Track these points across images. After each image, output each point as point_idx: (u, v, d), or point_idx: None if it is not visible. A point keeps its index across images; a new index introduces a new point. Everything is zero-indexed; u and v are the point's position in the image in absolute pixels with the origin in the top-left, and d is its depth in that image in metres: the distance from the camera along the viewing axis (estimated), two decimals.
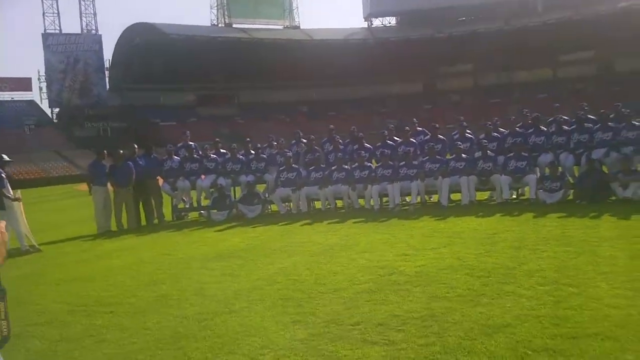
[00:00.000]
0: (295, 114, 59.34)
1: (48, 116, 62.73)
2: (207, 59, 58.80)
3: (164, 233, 11.25)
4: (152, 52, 57.99)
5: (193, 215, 13.37)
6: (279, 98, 62.95)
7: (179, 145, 13.87)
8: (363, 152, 12.48)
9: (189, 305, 5.70)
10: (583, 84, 56.85)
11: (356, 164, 12.22)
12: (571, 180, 11.03)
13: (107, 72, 63.33)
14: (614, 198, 10.24)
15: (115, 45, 62.48)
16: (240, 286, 6.31)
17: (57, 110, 63.20)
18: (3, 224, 1.97)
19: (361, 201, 12.15)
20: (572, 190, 10.76)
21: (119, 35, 61.90)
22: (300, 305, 5.37)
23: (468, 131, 12.70)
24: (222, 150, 13.83)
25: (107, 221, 11.90)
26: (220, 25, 68.06)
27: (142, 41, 58.43)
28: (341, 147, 13.16)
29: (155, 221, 12.51)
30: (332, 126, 14.13)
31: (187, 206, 13.38)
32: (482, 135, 12.36)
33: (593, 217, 8.75)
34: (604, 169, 10.83)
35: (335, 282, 6.13)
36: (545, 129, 11.94)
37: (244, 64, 60.25)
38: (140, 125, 55.44)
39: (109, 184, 12.11)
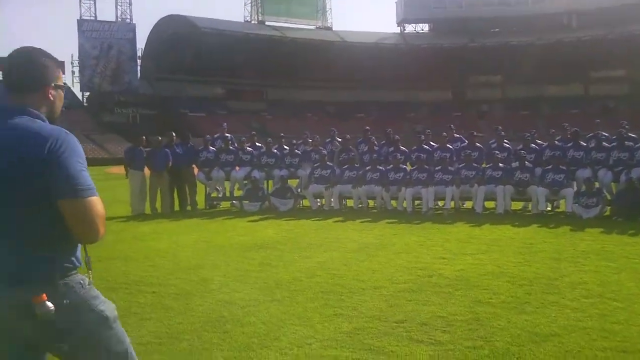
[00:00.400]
0: (322, 114, 59.44)
1: (79, 99, 63.56)
2: (238, 54, 59.16)
3: (197, 220, 11.36)
4: (183, 44, 58.49)
5: (225, 204, 13.49)
6: (308, 97, 63.11)
7: (215, 136, 14.02)
8: (399, 154, 12.49)
9: (231, 291, 5.76)
10: (614, 102, 56.14)
11: (391, 165, 12.23)
12: (608, 197, 10.92)
13: (139, 61, 64.01)
14: None
15: (149, 35, 63.15)
16: (280, 277, 6.36)
17: (87, 94, 64.05)
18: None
19: (393, 203, 12.14)
20: (609, 207, 10.66)
21: (152, 26, 62.62)
22: (341, 300, 5.40)
23: (505, 141, 12.63)
24: (257, 144, 13.93)
25: (142, 204, 12.06)
26: (253, 22, 68.42)
27: (175, 33, 58.94)
28: (376, 148, 13.17)
29: (189, 208, 12.65)
30: (367, 127, 14.17)
31: (220, 195, 13.51)
32: (520, 146, 12.30)
33: (632, 235, 8.66)
34: None
35: (375, 280, 6.15)
36: (585, 144, 11.82)
37: (274, 61, 60.52)
38: (169, 114, 55.97)
39: (145, 169, 12.28)
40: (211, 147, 13.36)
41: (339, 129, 15.01)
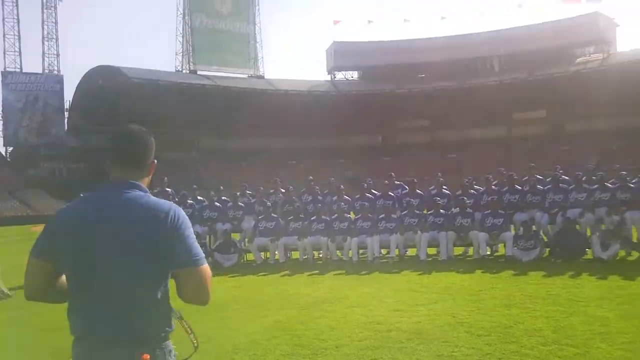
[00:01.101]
0: (256, 161, 59.37)
1: (1, 154, 61.08)
2: (170, 104, 58.59)
3: None
4: (114, 95, 57.47)
5: None
6: (241, 145, 63.01)
7: (155, 191, 13.70)
8: (343, 203, 12.58)
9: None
10: (536, 142, 58.89)
11: (335, 215, 12.29)
12: (545, 239, 11.33)
13: (66, 113, 62.36)
14: (587, 257, 10.57)
15: (77, 87, 61.75)
16: (238, 340, 6.19)
17: (10, 149, 61.63)
18: None
19: (338, 252, 12.16)
20: (547, 249, 11.05)
21: (81, 77, 61.41)
22: None
23: (445, 187, 12.96)
24: (199, 197, 13.72)
25: None
26: (185, 71, 68.29)
27: (104, 83, 57.99)
28: (319, 197, 13.23)
29: None
30: (311, 177, 14.24)
31: None
32: (459, 192, 12.64)
33: (573, 277, 8.97)
34: (577, 227, 11.17)
35: (335, 338, 6.07)
36: (520, 187, 12.28)
37: (207, 110, 60.28)
38: (99, 167, 54.47)
39: None
40: None
41: (272, 176, 15.06)
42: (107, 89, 57.37)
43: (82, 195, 2.49)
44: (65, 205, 2.48)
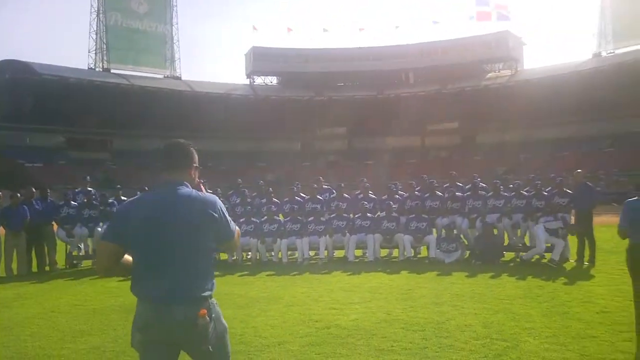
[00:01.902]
0: None
1: None
2: (81, 102, 56.34)
3: (62, 281, 10.57)
4: (22, 91, 54.59)
5: (86, 263, 12.65)
6: (155, 146, 61.34)
7: (77, 190, 13.25)
8: (272, 206, 12.65)
9: (130, 358, 5.45)
10: (448, 152, 61.28)
11: (265, 217, 12.34)
12: (466, 242, 11.90)
13: None
14: (505, 260, 11.21)
15: None
16: None
17: None
18: None
19: (267, 254, 12.21)
20: (467, 252, 11.60)
21: None
22: (250, 359, 5.36)
23: (371, 192, 13.32)
24: (123, 198, 13.34)
25: None
26: (98, 69, 65.88)
27: (12, 78, 54.87)
28: (248, 200, 13.23)
29: (47, 268, 11.72)
30: (239, 180, 14.20)
31: (82, 254, 12.67)
32: (385, 196, 13.04)
33: (494, 277, 9.49)
34: (495, 232, 11.80)
35: (277, 335, 6.16)
36: (441, 194, 12.82)
37: (120, 110, 58.40)
38: (4, 165, 51.57)
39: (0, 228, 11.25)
40: (73, 202, 12.56)
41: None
42: (14, 84, 54.38)
43: (143, 191, 3.18)
44: (129, 200, 3.34)
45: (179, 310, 2.78)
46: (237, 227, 3.13)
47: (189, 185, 3.00)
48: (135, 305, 2.93)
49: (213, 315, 2.88)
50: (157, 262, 2.86)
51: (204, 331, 2.82)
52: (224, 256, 12.47)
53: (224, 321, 3.00)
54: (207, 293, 2.89)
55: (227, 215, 3.01)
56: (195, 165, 3.10)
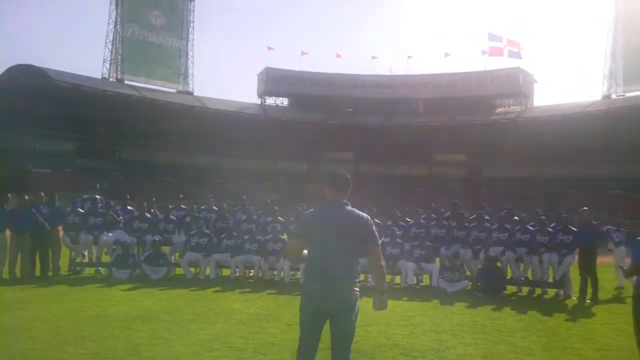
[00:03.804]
0: (180, 177, 58.23)
1: None
2: (93, 111, 56.80)
3: (64, 287, 10.59)
4: (34, 96, 54.99)
5: (89, 270, 12.69)
6: (165, 159, 61.53)
7: (84, 197, 13.33)
8: (277, 225, 12.69)
9: None
10: (454, 183, 61.23)
11: (270, 235, 12.36)
12: (468, 273, 11.88)
13: None
14: (506, 293, 11.18)
15: None
16: (177, 350, 6.17)
17: None
18: None
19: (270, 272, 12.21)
20: (470, 282, 11.58)
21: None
22: None
23: (376, 219, 13.31)
24: (129, 207, 13.43)
25: (0, 269, 11.03)
26: (111, 79, 66.50)
27: (25, 83, 55.35)
28: (254, 217, 13.28)
29: (50, 273, 11.76)
30: (244, 196, 14.27)
31: (85, 261, 12.71)
32: (390, 222, 13.06)
33: (495, 309, 9.46)
34: (498, 264, 11.77)
35: (276, 353, 6.18)
36: (447, 223, 12.83)
37: (131, 120, 58.73)
38: (10, 169, 51.85)
39: (7, 230, 11.31)
40: (80, 210, 12.64)
41: (197, 193, 14.88)
42: (28, 89, 54.87)
43: (319, 205, 4.54)
44: (308, 210, 5.08)
45: (340, 287, 4.16)
46: (379, 244, 4.47)
47: (349, 203, 4.36)
48: (302, 284, 4.46)
49: (357, 293, 4.26)
50: (326, 255, 4.22)
51: (354, 304, 4.23)
52: (226, 272, 12.50)
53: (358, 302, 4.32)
54: (357, 278, 4.29)
55: (374, 227, 4.39)
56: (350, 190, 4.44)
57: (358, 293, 4.23)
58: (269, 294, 10.48)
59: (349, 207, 4.32)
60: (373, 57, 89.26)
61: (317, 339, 4.28)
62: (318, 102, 70.99)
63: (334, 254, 4.18)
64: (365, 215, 4.33)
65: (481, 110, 66.42)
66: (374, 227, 4.33)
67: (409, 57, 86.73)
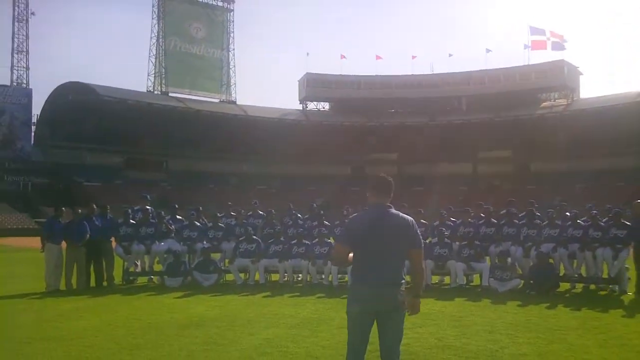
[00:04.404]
0: (224, 185, 59.13)
1: None
2: (139, 124, 58.32)
3: (119, 296, 10.88)
4: (83, 112, 56.76)
5: (142, 280, 13.01)
6: (209, 168, 62.69)
7: (135, 208, 13.67)
8: (324, 229, 12.75)
9: None
10: (500, 180, 60.20)
11: (316, 239, 12.43)
12: (520, 271, 11.66)
13: (33, 127, 61.19)
14: (560, 290, 10.94)
15: (46, 101, 60.76)
16: (231, 355, 6.26)
17: None
18: None
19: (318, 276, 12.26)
20: (521, 281, 11.37)
21: (50, 91, 60.55)
22: None
23: (422, 219, 13.22)
24: (178, 217, 13.72)
25: (57, 280, 11.42)
26: (156, 92, 68.08)
27: (74, 99, 57.30)
28: (300, 222, 13.38)
29: (105, 283, 12.09)
30: (291, 204, 14.42)
31: (138, 270, 13.04)
32: (437, 222, 12.95)
33: (549, 307, 9.26)
34: (551, 261, 11.51)
35: (328, 356, 6.20)
36: (496, 221, 12.63)
37: (177, 132, 60.10)
38: (63, 182, 53.62)
39: (63, 243, 11.71)
40: (131, 221, 12.98)
41: (240, 200, 15.05)
42: (77, 105, 56.69)
43: (364, 209, 4.66)
44: (353, 214, 5.24)
45: (387, 289, 4.22)
46: (422, 246, 4.45)
47: (392, 206, 4.36)
48: (350, 287, 4.54)
49: (402, 293, 4.27)
50: (374, 258, 4.26)
51: (401, 303, 4.25)
52: (275, 277, 12.64)
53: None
54: (403, 280, 4.30)
55: (418, 230, 4.38)
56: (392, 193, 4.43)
57: (403, 293, 4.27)
58: (318, 297, 10.52)
59: (393, 210, 4.32)
60: (413, 57, 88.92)
61: (365, 341, 4.33)
62: (359, 104, 71.08)
63: (381, 257, 4.22)
64: (409, 217, 4.35)
65: (526, 105, 65.23)
66: (418, 229, 4.34)
67: (449, 55, 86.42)
